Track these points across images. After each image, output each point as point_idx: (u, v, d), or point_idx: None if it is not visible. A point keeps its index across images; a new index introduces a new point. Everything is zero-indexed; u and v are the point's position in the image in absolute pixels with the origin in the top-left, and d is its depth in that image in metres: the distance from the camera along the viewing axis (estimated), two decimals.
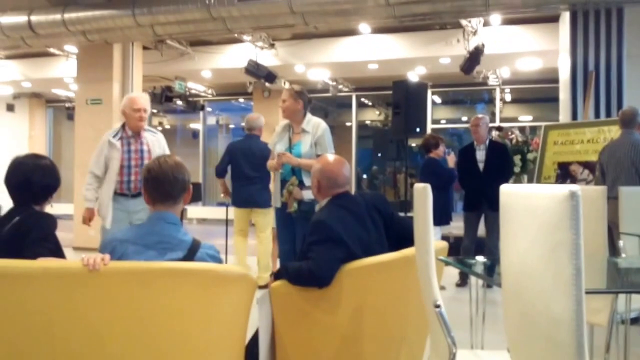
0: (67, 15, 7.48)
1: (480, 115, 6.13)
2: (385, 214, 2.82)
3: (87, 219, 4.31)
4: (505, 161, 5.93)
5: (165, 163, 2.22)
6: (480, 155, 5.86)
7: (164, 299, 1.93)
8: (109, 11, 7.40)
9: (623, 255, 3.57)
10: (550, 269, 1.35)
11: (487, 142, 5.93)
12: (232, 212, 6.00)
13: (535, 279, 1.43)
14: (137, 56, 9.05)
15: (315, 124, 4.07)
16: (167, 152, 4.31)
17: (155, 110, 12.52)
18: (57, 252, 2.37)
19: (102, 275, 1.85)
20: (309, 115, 4.11)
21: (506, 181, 5.83)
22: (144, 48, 9.40)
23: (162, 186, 2.18)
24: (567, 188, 1.24)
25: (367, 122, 14.62)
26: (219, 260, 2.20)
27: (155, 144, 4.31)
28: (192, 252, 2.12)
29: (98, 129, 8.38)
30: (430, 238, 2.08)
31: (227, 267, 2.19)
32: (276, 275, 2.73)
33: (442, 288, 5.45)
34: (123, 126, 4.29)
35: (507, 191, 1.55)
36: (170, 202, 2.18)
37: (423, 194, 2.10)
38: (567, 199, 1.27)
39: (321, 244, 2.51)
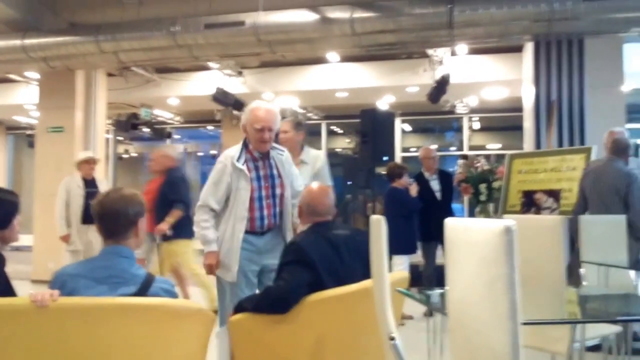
0: (27, 41, 7.33)
1: (431, 147, 6.33)
2: (364, 250, 2.83)
3: (212, 267, 3.29)
4: (452, 189, 6.22)
5: (106, 197, 2.17)
6: (435, 184, 6.05)
7: (115, 335, 1.88)
8: (71, 37, 7.30)
9: (584, 283, 3.57)
10: (489, 302, 1.38)
11: (438, 171, 6.15)
12: None
13: (476, 311, 1.46)
14: (101, 83, 8.90)
15: (315, 156, 4.00)
16: (295, 174, 3.51)
17: (120, 138, 12.33)
18: (6, 291, 2.25)
19: (50, 311, 1.81)
20: (307, 147, 4.04)
21: None
22: (109, 75, 9.27)
23: (104, 221, 2.13)
24: (502, 223, 1.25)
25: (338, 149, 14.65)
26: (174, 295, 2.16)
27: (286, 166, 3.42)
28: (145, 286, 2.07)
29: (59, 157, 8.20)
30: (385, 270, 2.09)
31: (182, 302, 2.15)
32: (235, 309, 2.70)
33: (409, 317, 5.45)
34: (246, 144, 3.38)
35: (450, 225, 1.57)
36: (117, 237, 2.13)
37: (378, 226, 2.06)
38: (502, 234, 1.29)
39: (293, 265, 2.55)
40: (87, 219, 6.14)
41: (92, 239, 6.14)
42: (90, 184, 6.25)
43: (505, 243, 1.26)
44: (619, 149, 4.62)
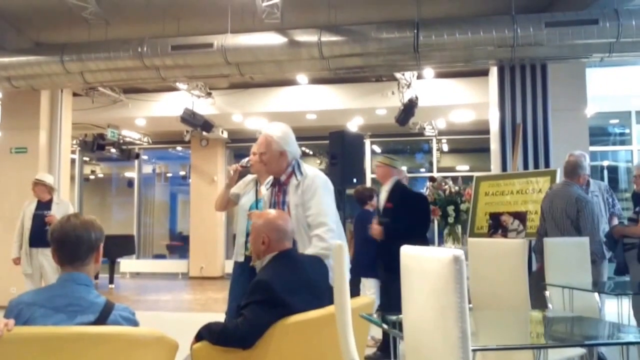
0: None
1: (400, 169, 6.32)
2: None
3: None
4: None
5: (67, 223, 2.10)
6: None
7: None
8: (35, 57, 7.14)
9: (550, 306, 3.59)
10: (440, 329, 1.38)
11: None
12: None
13: (429, 338, 1.46)
14: (67, 103, 8.74)
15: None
16: (313, 201, 3.06)
17: (87, 159, 12.12)
18: None
19: (4, 341, 1.76)
20: None
21: None
22: (74, 95, 9.11)
23: (66, 247, 2.07)
24: (451, 252, 1.25)
25: None
26: (135, 323, 2.10)
27: (298, 193, 3.11)
28: (104, 315, 2.01)
29: (23, 179, 7.96)
30: (347, 296, 2.06)
31: (142, 330, 2.08)
32: (198, 336, 2.63)
33: (380, 342, 5.37)
34: None
35: (405, 253, 1.57)
36: (77, 264, 2.08)
37: (339, 252, 2.04)
38: (451, 263, 1.31)
39: (257, 305, 2.47)
40: (33, 242, 5.93)
41: (44, 262, 5.92)
42: (43, 206, 6.04)
43: (454, 272, 1.28)
44: (567, 170, 4.77)
